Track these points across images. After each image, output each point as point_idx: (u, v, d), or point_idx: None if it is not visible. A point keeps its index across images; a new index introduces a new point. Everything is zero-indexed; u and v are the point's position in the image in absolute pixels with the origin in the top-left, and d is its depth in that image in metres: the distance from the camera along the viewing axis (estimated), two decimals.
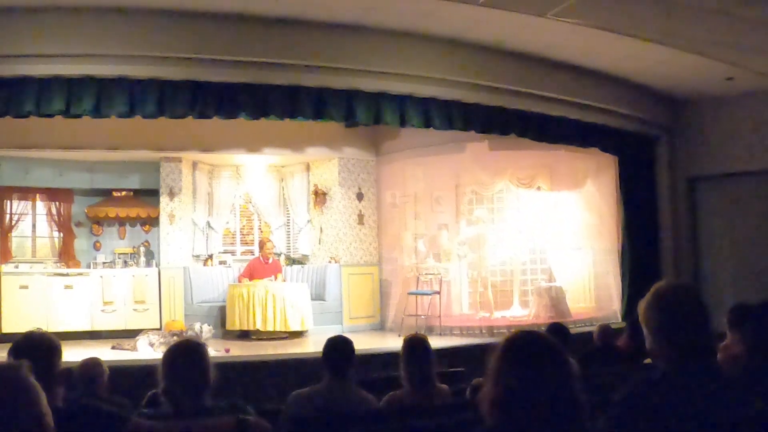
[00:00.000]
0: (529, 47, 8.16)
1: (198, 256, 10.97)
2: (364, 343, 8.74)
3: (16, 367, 2.05)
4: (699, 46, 7.83)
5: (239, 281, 10.32)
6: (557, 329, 5.30)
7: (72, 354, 5.15)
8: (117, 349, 8.67)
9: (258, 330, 9.60)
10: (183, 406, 2.69)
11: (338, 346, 4.00)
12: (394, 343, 8.17)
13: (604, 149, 10.03)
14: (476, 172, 10.72)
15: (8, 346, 2.84)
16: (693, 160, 10.43)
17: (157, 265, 10.56)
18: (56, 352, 2.78)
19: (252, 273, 10.32)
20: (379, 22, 7.34)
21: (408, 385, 4.01)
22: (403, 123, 8.11)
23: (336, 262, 10.82)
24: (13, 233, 10.49)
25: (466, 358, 7.02)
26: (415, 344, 4.09)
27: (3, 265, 9.89)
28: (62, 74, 6.65)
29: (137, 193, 10.97)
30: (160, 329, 9.63)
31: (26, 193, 10.56)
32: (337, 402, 3.77)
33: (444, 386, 4.16)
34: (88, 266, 10.47)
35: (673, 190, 10.55)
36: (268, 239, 10.83)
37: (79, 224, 10.85)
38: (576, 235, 10.89)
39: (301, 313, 9.81)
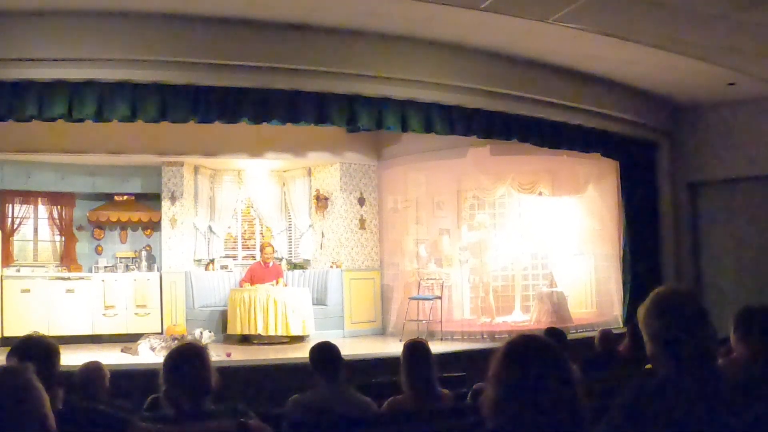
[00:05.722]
0: (531, 52, 8.17)
1: (199, 261, 10.97)
2: (365, 348, 8.75)
3: (21, 369, 2.06)
4: (700, 51, 7.84)
5: (241, 286, 10.32)
6: (554, 334, 5.29)
7: (75, 358, 5.15)
8: (126, 352, 8.66)
9: (259, 334, 9.59)
10: (184, 409, 2.69)
11: (324, 353, 4.00)
12: (395, 348, 8.13)
13: (606, 154, 10.03)
14: (478, 177, 10.72)
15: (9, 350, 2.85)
16: (694, 166, 10.43)
17: (159, 270, 10.56)
18: (55, 355, 2.80)
19: (253, 277, 10.33)
20: (380, 27, 7.36)
21: (409, 389, 4.00)
22: (404, 128, 8.11)
23: (337, 266, 10.82)
24: (15, 237, 10.48)
25: (468, 363, 7.00)
26: (415, 349, 4.09)
27: (5, 269, 9.88)
28: (64, 78, 6.66)
29: (139, 197, 10.97)
30: (161, 333, 9.64)
31: (28, 196, 10.56)
32: (336, 406, 3.77)
33: (445, 391, 4.15)
34: (90, 270, 10.48)
35: (674, 195, 10.56)
36: (268, 244, 10.82)
37: (80, 228, 10.85)
38: (577, 240, 10.88)
39: (303, 318, 9.80)
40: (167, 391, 2.73)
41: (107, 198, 10.92)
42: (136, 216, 10.82)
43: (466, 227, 10.92)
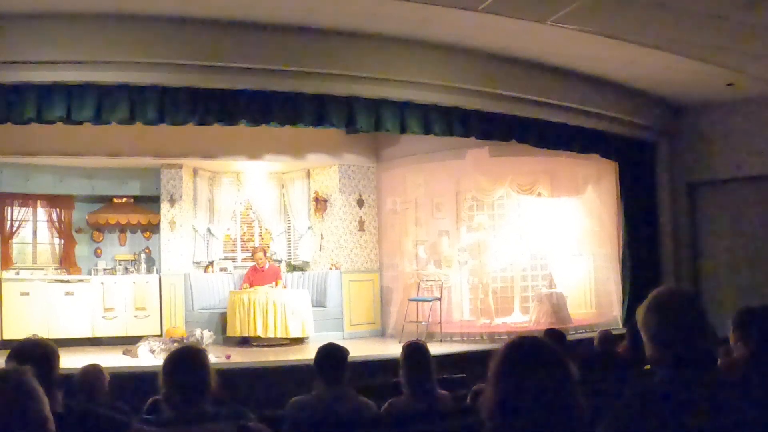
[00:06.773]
0: (529, 53, 8.17)
1: (199, 263, 10.97)
2: (364, 350, 8.73)
3: (21, 371, 2.05)
4: (699, 51, 7.83)
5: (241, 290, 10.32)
6: (553, 335, 5.29)
7: (74, 361, 5.15)
8: (127, 355, 8.64)
9: (259, 336, 9.59)
10: (184, 412, 2.69)
11: (330, 355, 4.00)
12: (394, 349, 8.14)
13: (605, 155, 10.03)
14: (477, 178, 10.71)
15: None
16: (693, 166, 10.43)
17: (158, 272, 10.55)
18: (54, 357, 2.79)
19: (251, 281, 10.32)
20: (379, 29, 7.36)
21: (408, 391, 4.00)
22: (403, 129, 8.12)
23: (337, 268, 10.82)
24: (14, 240, 10.48)
25: (467, 365, 7.00)
26: (414, 351, 4.09)
27: (4, 272, 9.88)
28: (63, 81, 6.66)
29: (138, 199, 10.96)
30: (160, 336, 9.63)
31: (27, 199, 10.56)
32: (336, 408, 3.76)
33: (445, 392, 4.15)
34: (89, 273, 10.47)
35: (673, 195, 10.55)
36: (260, 248, 10.71)
37: (79, 231, 10.84)
38: (576, 241, 10.88)
39: (302, 320, 9.80)
40: (167, 393, 2.73)
41: (106, 200, 10.92)
42: (135, 218, 10.82)
43: (465, 228, 10.91)
